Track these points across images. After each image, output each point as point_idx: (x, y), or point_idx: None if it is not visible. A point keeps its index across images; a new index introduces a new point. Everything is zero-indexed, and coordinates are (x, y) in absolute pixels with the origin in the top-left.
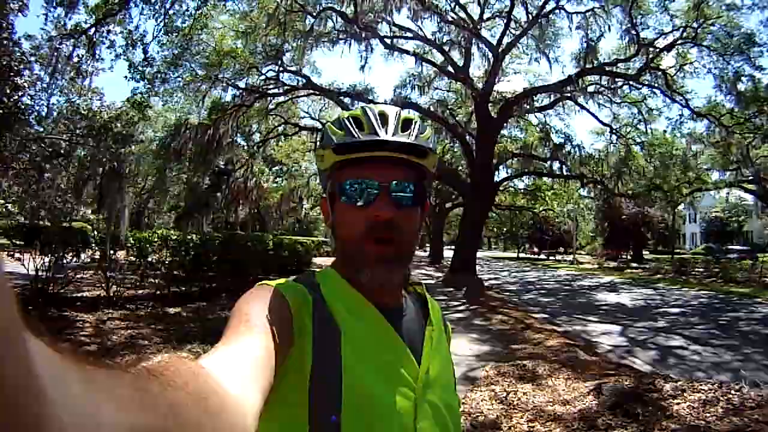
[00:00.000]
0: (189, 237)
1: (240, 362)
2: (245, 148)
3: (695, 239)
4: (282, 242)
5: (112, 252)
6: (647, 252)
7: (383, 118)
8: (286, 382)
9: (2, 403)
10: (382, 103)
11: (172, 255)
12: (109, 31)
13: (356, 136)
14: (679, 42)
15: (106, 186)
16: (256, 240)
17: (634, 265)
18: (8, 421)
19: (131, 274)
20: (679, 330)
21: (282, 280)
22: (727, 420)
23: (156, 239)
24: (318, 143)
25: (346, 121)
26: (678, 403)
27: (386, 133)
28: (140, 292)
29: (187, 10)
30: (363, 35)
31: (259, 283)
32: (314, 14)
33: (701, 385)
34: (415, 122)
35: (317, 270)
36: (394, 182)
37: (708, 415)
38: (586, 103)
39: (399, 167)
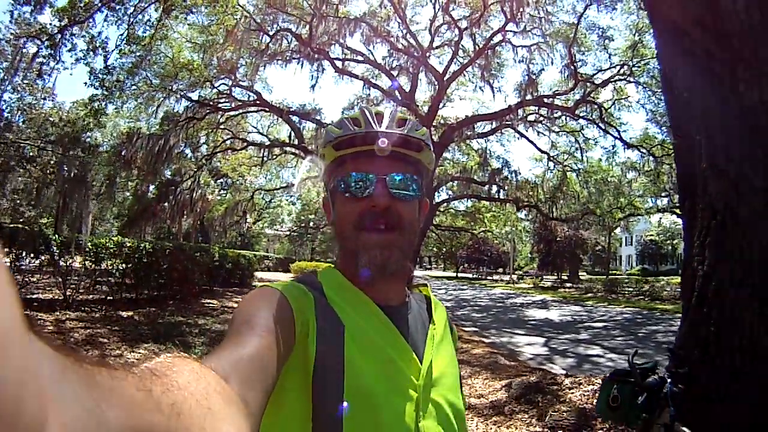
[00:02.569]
0: (142, 245)
1: (242, 362)
2: (193, 159)
3: (631, 261)
4: (227, 255)
5: (70, 257)
6: (584, 273)
7: (379, 116)
8: (290, 381)
9: (4, 403)
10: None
11: (125, 262)
12: (72, 35)
13: (354, 131)
14: (616, 79)
15: (70, 192)
16: (203, 251)
17: (569, 285)
18: (10, 422)
19: (86, 278)
20: (599, 341)
21: (283, 281)
22: None
23: (112, 245)
24: (321, 143)
25: (345, 121)
26: (573, 393)
27: (380, 127)
28: (91, 296)
29: (149, 20)
30: (315, 57)
31: (261, 285)
32: (270, 34)
33: (596, 378)
34: (410, 120)
35: (319, 270)
36: (391, 174)
37: (596, 400)
38: (526, 131)
39: (396, 161)
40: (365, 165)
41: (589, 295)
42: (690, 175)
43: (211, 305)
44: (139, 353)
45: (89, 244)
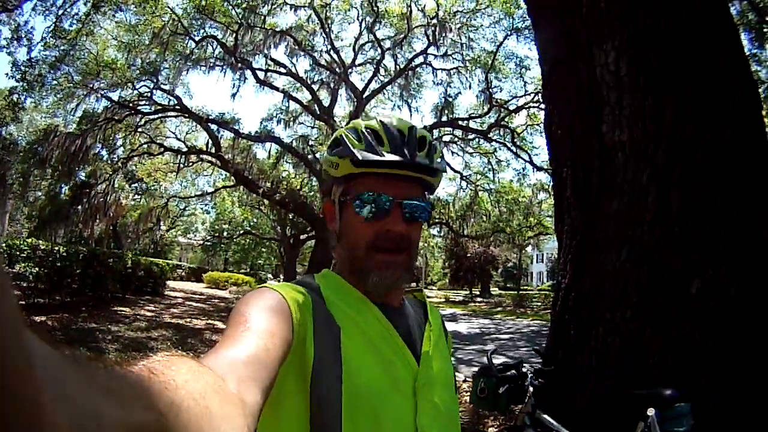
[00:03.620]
0: (56, 248)
1: (240, 362)
2: (108, 161)
3: (542, 277)
4: (140, 262)
5: None
6: (496, 288)
7: (402, 135)
8: (288, 382)
9: (2, 404)
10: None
11: (39, 265)
12: None
13: (377, 150)
14: (530, 105)
15: None
16: (117, 257)
17: (479, 299)
18: (7, 421)
19: None
20: (504, 351)
21: (281, 283)
22: None
23: (26, 247)
24: (332, 149)
25: (366, 134)
26: (468, 395)
27: (407, 151)
28: None
29: (77, 14)
30: (239, 66)
31: (258, 286)
32: (196, 39)
33: None
34: (429, 141)
35: (317, 273)
36: (408, 199)
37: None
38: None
39: (413, 185)
40: (382, 186)
41: (499, 309)
42: (560, 202)
43: (123, 313)
44: None
45: (3, 245)
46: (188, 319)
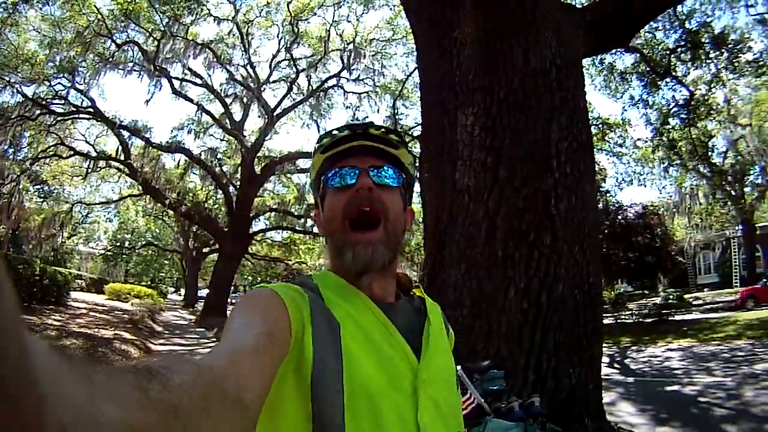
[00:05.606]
0: None
1: (239, 362)
2: (14, 161)
3: None
4: (47, 270)
5: None
6: None
7: (360, 123)
8: (287, 381)
9: (2, 403)
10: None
11: None
12: None
13: (338, 134)
14: None
15: None
16: (27, 264)
17: None
18: (8, 421)
19: None
20: None
21: (278, 283)
22: None
23: None
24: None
25: (331, 132)
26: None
27: (362, 129)
28: None
29: (5, 2)
30: (156, 73)
31: (256, 285)
32: (119, 43)
33: None
34: (387, 128)
35: (314, 272)
36: (372, 165)
37: None
38: None
39: (376, 156)
40: (348, 161)
41: None
42: (426, 229)
43: (30, 321)
44: None
45: None
46: (96, 329)
